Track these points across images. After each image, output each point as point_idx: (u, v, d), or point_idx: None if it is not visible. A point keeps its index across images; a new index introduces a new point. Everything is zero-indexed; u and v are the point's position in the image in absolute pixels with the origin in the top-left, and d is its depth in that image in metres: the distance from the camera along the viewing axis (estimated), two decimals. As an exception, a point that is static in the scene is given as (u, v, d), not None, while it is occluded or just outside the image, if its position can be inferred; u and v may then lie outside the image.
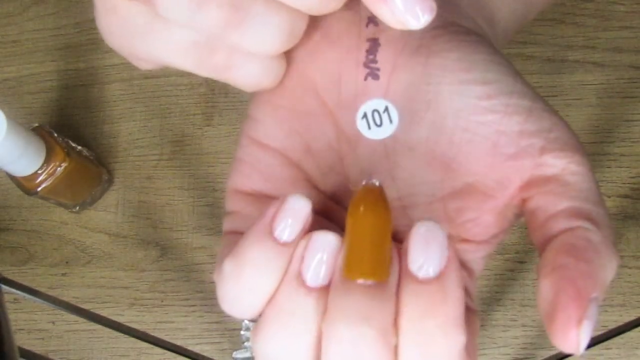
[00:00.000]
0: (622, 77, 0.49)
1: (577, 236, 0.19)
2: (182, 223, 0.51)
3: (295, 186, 0.23)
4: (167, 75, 0.53)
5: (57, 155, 0.46)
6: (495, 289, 0.47)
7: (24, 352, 0.29)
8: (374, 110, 0.20)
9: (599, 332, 0.32)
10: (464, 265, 0.22)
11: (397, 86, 0.22)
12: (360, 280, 0.18)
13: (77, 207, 0.51)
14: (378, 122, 0.20)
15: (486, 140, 0.21)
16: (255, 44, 0.20)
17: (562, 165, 0.21)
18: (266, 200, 0.23)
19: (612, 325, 0.32)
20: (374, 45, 0.22)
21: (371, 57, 0.22)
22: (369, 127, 0.20)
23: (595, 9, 0.50)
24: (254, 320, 0.21)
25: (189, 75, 0.53)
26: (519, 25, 0.29)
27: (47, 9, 0.56)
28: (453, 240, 0.22)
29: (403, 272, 0.18)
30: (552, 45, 0.50)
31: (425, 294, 0.18)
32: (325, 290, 0.19)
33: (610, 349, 0.45)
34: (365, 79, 0.22)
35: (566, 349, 0.18)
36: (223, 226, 0.24)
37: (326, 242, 0.19)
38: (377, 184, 0.19)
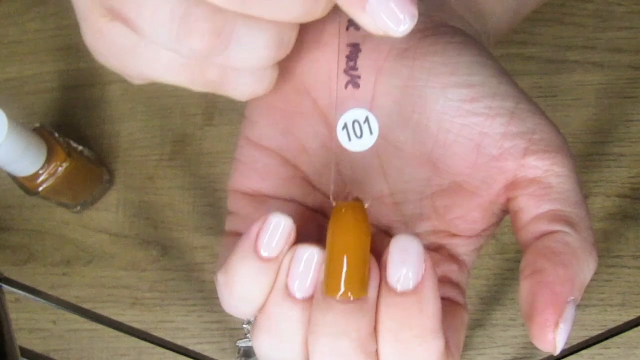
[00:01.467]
0: (621, 77, 0.49)
1: (556, 240, 0.20)
2: (183, 223, 0.51)
3: (292, 185, 0.24)
4: (168, 76, 0.53)
5: (58, 155, 0.46)
6: (495, 289, 0.47)
7: (25, 352, 0.29)
8: (355, 121, 0.20)
9: (598, 332, 0.32)
10: (455, 258, 0.23)
11: (383, 89, 0.23)
12: (339, 297, 0.19)
13: (78, 207, 0.51)
14: (358, 133, 0.20)
15: (470, 142, 0.22)
16: (244, 62, 0.20)
17: (545, 167, 0.21)
18: (264, 200, 0.24)
19: (611, 325, 0.32)
20: (354, 51, 0.22)
21: (351, 63, 0.22)
22: (349, 139, 0.20)
23: (595, 9, 0.50)
24: None
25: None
26: (511, 21, 0.29)
27: (48, 10, 0.56)
28: (443, 235, 0.23)
29: (382, 284, 0.19)
30: (551, 46, 0.50)
31: (403, 305, 0.19)
32: (311, 300, 0.20)
33: (610, 348, 0.45)
34: (346, 87, 0.22)
35: (544, 349, 0.19)
36: (225, 225, 0.24)
37: (309, 255, 0.20)
38: (356, 200, 0.20)
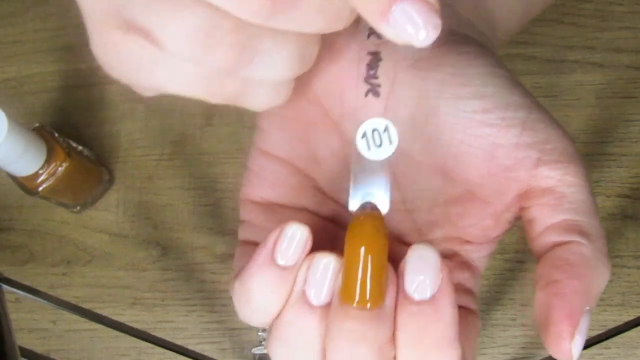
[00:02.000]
0: (621, 77, 0.49)
1: (571, 251, 0.20)
2: (183, 223, 0.51)
3: (304, 194, 0.24)
4: (168, 76, 0.53)
5: (57, 155, 0.46)
6: (494, 289, 0.47)
7: (25, 352, 0.29)
8: (374, 130, 0.20)
9: (598, 332, 0.32)
10: (468, 264, 0.23)
11: (397, 100, 0.23)
12: (356, 306, 0.19)
13: (78, 207, 0.51)
14: (377, 142, 0.20)
15: (483, 152, 0.22)
16: (267, 75, 0.20)
17: (558, 177, 0.21)
18: (276, 209, 0.24)
19: (611, 325, 0.32)
20: (375, 59, 0.22)
21: (372, 72, 0.22)
22: (369, 148, 0.20)
23: (595, 9, 0.50)
24: None
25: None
26: (519, 25, 0.29)
27: (48, 10, 0.56)
28: (455, 242, 0.23)
29: (400, 293, 0.19)
30: (551, 46, 0.50)
31: (421, 314, 0.19)
32: (328, 308, 0.20)
33: (610, 348, 0.45)
34: (366, 95, 0.22)
35: (560, 358, 0.19)
36: (238, 234, 0.24)
37: (326, 263, 0.20)
38: (375, 206, 0.20)
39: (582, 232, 0.21)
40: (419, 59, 0.23)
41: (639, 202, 0.47)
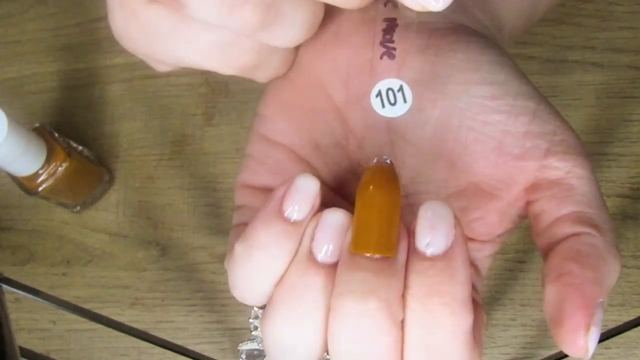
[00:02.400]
0: (621, 77, 0.49)
1: (582, 242, 0.20)
2: (183, 223, 0.51)
3: None
4: (168, 76, 0.53)
5: (57, 155, 0.46)
6: (495, 289, 0.47)
7: (25, 352, 0.29)
8: (389, 89, 0.20)
9: (598, 332, 0.32)
10: (470, 263, 0.23)
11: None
12: (367, 254, 0.18)
13: (78, 207, 0.51)
14: (392, 100, 0.20)
15: (492, 140, 0.21)
16: (281, 40, 0.20)
17: (567, 168, 0.21)
18: None
19: (612, 325, 0.32)
20: (391, 25, 0.22)
21: (387, 36, 0.22)
22: (383, 105, 0.20)
23: (595, 9, 0.50)
24: (263, 308, 0.21)
25: (189, 75, 0.53)
26: (525, 25, 0.29)
27: (48, 9, 0.56)
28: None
29: (411, 249, 0.18)
30: (551, 46, 0.50)
31: (432, 271, 0.18)
32: (334, 267, 0.19)
33: (610, 348, 0.45)
34: (382, 57, 0.22)
35: (574, 354, 0.18)
36: (232, 220, 0.24)
37: (336, 219, 0.19)
38: (388, 162, 0.20)
39: (592, 224, 0.20)
40: (428, 44, 0.22)
41: (639, 202, 0.47)
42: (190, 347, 0.36)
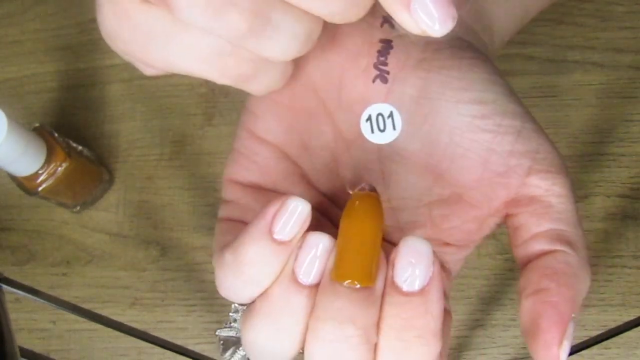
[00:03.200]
0: (621, 77, 0.49)
1: (558, 260, 0.21)
2: (183, 223, 0.51)
3: (291, 181, 0.24)
4: (168, 76, 0.53)
5: (57, 155, 0.46)
6: (495, 289, 0.47)
7: (25, 352, 0.29)
8: (379, 114, 0.20)
9: (598, 332, 0.32)
10: (442, 266, 0.23)
11: (396, 97, 0.23)
12: (347, 283, 0.19)
13: (78, 207, 0.51)
14: (382, 127, 0.20)
15: (478, 157, 0.22)
16: (274, 52, 0.19)
17: (546, 186, 0.22)
18: (262, 192, 0.24)
19: (612, 325, 0.32)
20: (386, 47, 0.23)
21: (382, 58, 0.22)
22: (372, 131, 0.20)
23: (595, 9, 0.50)
24: (244, 305, 0.22)
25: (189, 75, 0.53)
26: (516, 28, 0.30)
27: (48, 10, 0.56)
28: (435, 243, 0.23)
29: (388, 281, 0.19)
30: (551, 46, 0.50)
31: (408, 305, 0.19)
32: (315, 288, 0.20)
33: (610, 348, 0.45)
34: (374, 81, 0.22)
35: None
36: (219, 212, 0.24)
37: (320, 242, 0.20)
38: (373, 190, 0.20)
39: (567, 242, 0.21)
40: (422, 59, 0.23)
41: (639, 202, 0.47)
42: (190, 347, 0.36)
